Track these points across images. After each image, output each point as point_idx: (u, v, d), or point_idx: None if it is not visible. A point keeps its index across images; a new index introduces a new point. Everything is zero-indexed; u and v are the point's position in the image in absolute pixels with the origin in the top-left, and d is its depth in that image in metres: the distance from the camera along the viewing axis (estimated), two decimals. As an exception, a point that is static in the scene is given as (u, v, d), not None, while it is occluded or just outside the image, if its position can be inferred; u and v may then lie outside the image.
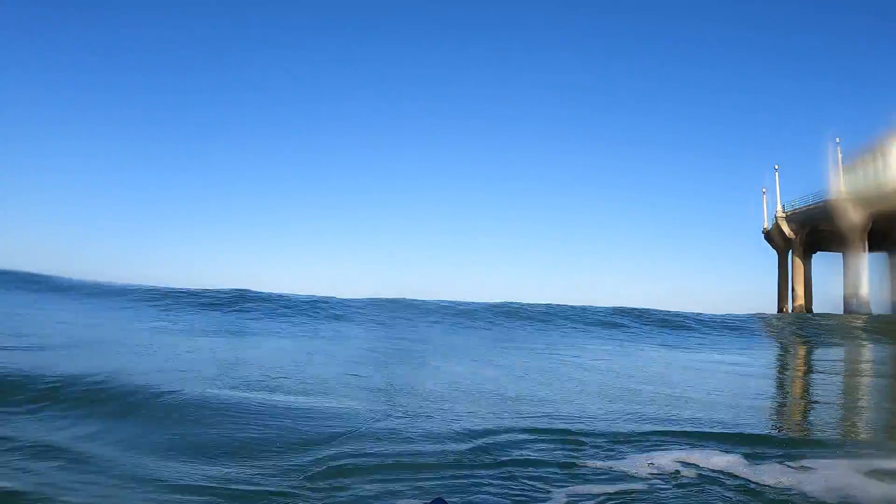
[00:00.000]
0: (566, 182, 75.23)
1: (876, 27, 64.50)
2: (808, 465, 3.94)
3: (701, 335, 17.57)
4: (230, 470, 3.61)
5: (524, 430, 4.67)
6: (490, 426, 4.77)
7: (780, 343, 17.64)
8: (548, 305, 20.88)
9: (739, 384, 8.46)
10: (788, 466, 3.94)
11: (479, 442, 4.32)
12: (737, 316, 23.37)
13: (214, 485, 3.33)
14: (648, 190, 76.62)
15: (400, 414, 5.13)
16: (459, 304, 19.85)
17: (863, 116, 67.70)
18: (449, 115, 74.09)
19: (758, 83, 74.57)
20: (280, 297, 18.13)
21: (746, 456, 4.12)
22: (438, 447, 4.15)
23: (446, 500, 2.74)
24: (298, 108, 71.71)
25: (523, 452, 4.13)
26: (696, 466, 3.90)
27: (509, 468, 3.78)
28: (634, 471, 3.80)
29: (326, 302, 18.09)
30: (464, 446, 4.19)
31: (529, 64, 75.56)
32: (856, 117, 65.97)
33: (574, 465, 3.90)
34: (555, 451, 4.19)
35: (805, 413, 6.35)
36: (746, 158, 68.96)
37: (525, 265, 64.54)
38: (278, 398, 5.56)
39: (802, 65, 71.80)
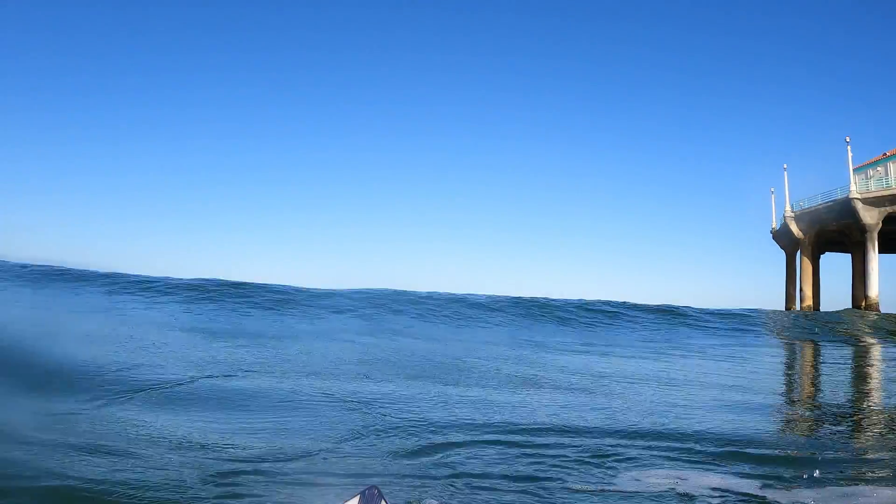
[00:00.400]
0: (569, 180, 74.61)
1: (887, 26, 63.58)
2: (848, 492, 3.37)
3: (704, 329, 16.99)
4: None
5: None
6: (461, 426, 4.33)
7: (788, 342, 17.02)
8: (566, 300, 20.33)
9: (755, 385, 7.91)
10: (830, 490, 3.38)
11: (445, 446, 3.94)
12: (744, 310, 22.80)
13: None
14: (655, 189, 76.01)
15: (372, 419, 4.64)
16: (450, 295, 19.30)
17: (874, 117, 66.91)
18: (446, 106, 73.32)
19: (768, 81, 73.76)
20: (250, 286, 17.34)
21: (768, 478, 3.57)
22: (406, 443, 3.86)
23: (381, 490, 2.58)
24: (288, 100, 70.80)
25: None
26: (726, 490, 3.35)
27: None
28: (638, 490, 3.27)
29: (305, 292, 17.45)
30: (420, 451, 3.84)
31: (537, 54, 74.87)
32: (867, 117, 65.16)
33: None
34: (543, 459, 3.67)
35: (828, 424, 5.76)
36: (755, 158, 68.14)
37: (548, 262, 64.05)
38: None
39: (814, 64, 70.96)
